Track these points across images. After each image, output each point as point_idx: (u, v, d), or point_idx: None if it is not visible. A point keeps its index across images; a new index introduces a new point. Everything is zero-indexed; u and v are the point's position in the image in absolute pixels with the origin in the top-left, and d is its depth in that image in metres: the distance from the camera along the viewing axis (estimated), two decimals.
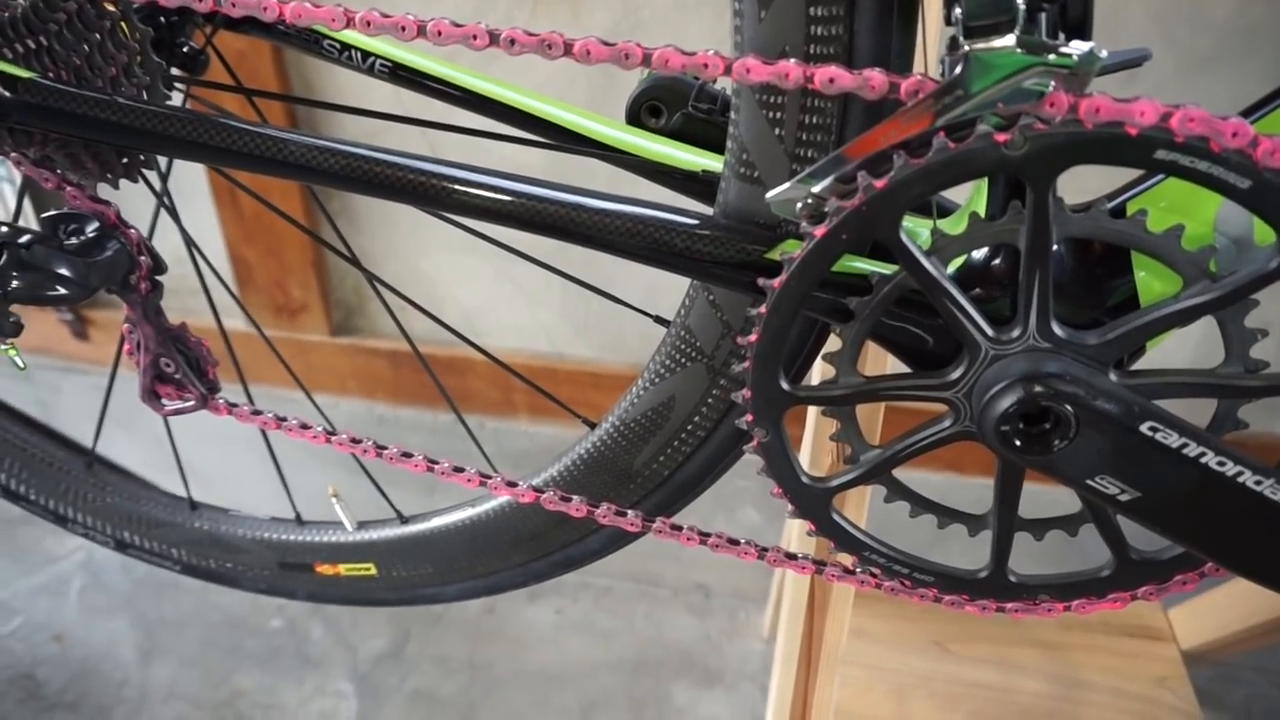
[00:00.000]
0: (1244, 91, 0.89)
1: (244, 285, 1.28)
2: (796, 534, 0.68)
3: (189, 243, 0.66)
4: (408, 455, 0.55)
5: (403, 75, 0.53)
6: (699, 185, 0.50)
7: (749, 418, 0.46)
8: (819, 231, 0.39)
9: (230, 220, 1.22)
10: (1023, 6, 0.34)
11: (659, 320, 0.54)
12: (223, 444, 1.27)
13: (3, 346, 0.48)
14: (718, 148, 0.52)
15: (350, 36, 0.53)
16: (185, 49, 0.55)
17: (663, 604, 1.34)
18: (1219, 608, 1.02)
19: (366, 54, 0.54)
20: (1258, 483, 0.40)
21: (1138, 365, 0.44)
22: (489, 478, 0.54)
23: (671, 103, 0.52)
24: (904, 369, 0.47)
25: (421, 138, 1.00)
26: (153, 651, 1.29)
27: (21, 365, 0.50)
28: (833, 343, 0.45)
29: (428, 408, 1.32)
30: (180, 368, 0.54)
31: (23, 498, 0.74)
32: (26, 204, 1.19)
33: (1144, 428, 0.40)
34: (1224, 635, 1.01)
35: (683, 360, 0.51)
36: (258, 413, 0.56)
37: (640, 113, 0.53)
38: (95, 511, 0.74)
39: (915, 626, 1.02)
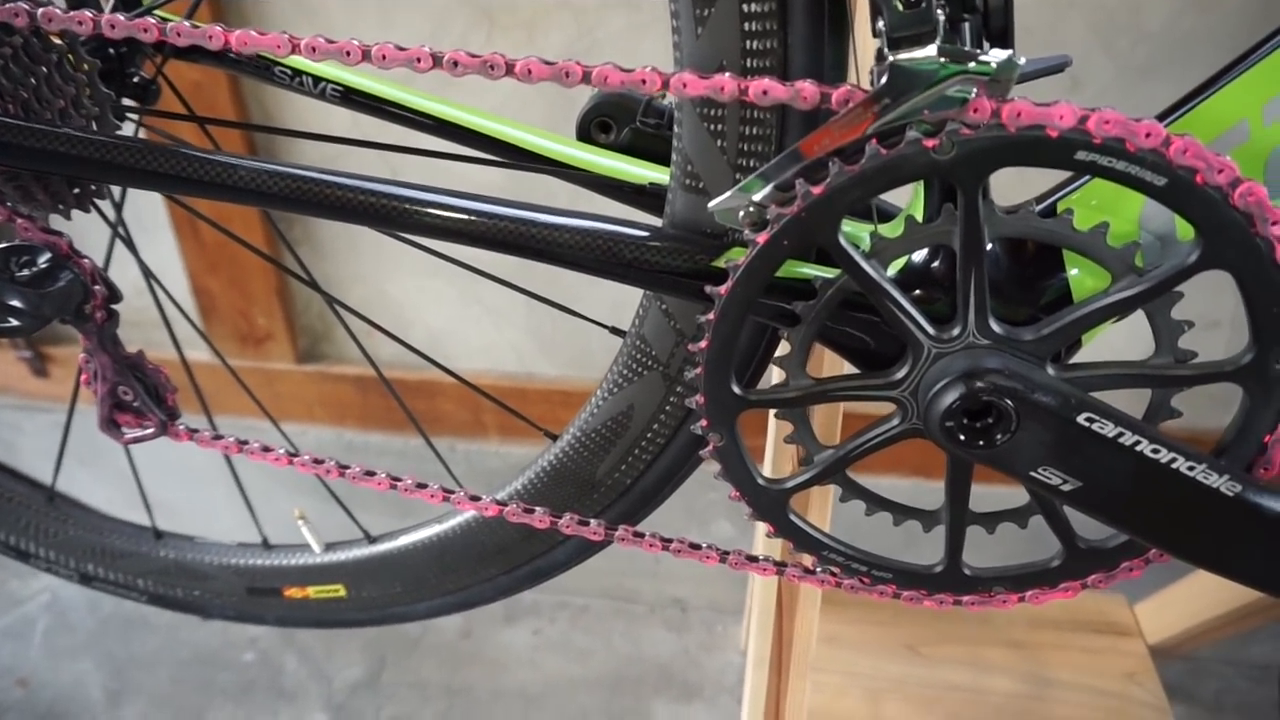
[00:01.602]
0: None
1: (207, 315, 1.27)
2: (765, 541, 0.69)
3: (146, 274, 0.66)
4: (370, 474, 0.55)
5: (354, 99, 0.54)
6: (648, 198, 0.51)
7: (703, 423, 0.47)
8: (761, 238, 0.41)
9: (192, 251, 1.22)
10: (942, 18, 0.35)
11: (615, 331, 0.55)
12: (189, 476, 1.25)
13: None
14: (666, 161, 0.54)
15: (299, 62, 0.54)
16: (136, 79, 0.56)
17: (639, 620, 1.34)
18: (1181, 601, 1.04)
19: (317, 79, 0.55)
20: (1190, 469, 0.41)
21: (1075, 359, 0.45)
22: (452, 493, 0.54)
23: (620, 118, 0.54)
24: (853, 370, 0.48)
25: (381, 162, 1.01)
26: (121, 692, 1.26)
27: None
28: (783, 347, 0.46)
29: (397, 433, 1.32)
30: (138, 395, 0.54)
31: None
32: None
33: (1081, 419, 0.41)
34: (1188, 628, 1.03)
35: (639, 369, 0.52)
36: (219, 437, 0.56)
37: (590, 129, 0.54)
38: (58, 545, 0.73)
39: (886, 630, 1.03)
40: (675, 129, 0.45)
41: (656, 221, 0.48)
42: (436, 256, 0.55)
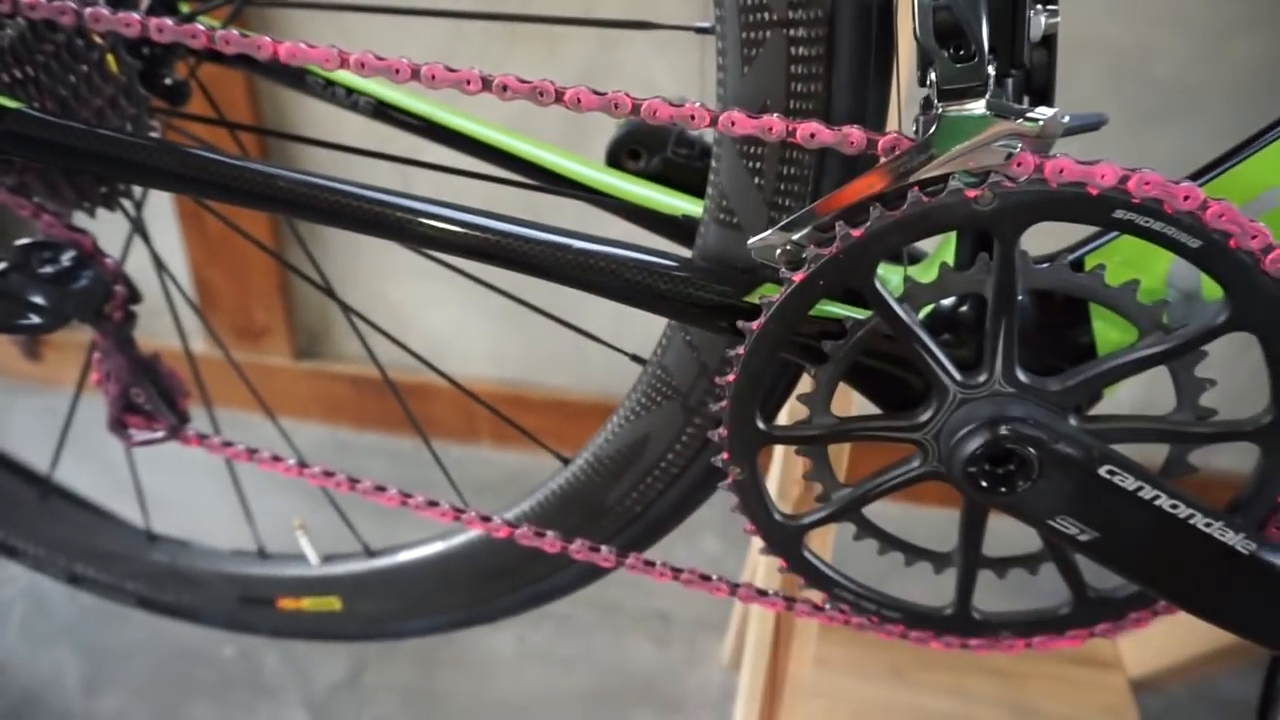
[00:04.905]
0: (1189, 144, 0.94)
1: (207, 308, 1.26)
2: (763, 567, 0.69)
3: (160, 267, 0.65)
4: (381, 489, 0.55)
5: (388, 113, 0.54)
6: (676, 228, 0.52)
7: (724, 455, 0.47)
8: (797, 277, 0.41)
9: (195, 242, 1.21)
10: (992, 74, 0.36)
11: (635, 359, 0.55)
12: (177, 469, 1.24)
13: None
14: (693, 190, 0.54)
15: (336, 73, 0.53)
16: (168, 80, 0.55)
17: (623, 632, 1.33)
18: (1162, 638, 1.05)
19: (350, 90, 0.55)
20: (1208, 525, 0.42)
21: (1094, 411, 0.46)
22: (463, 512, 0.54)
23: (651, 146, 0.54)
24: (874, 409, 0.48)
25: (393, 172, 1.00)
26: (99, 682, 1.25)
27: None
28: (807, 383, 0.46)
29: (390, 433, 1.32)
30: (151, 398, 0.54)
31: None
32: None
33: (1102, 471, 0.42)
34: (1168, 665, 1.05)
35: (658, 399, 0.52)
36: (228, 444, 0.56)
37: (621, 155, 0.54)
38: (47, 543, 0.72)
39: (873, 654, 1.03)
40: (713, 164, 0.45)
41: (684, 251, 0.49)
42: (445, 265, 0.54)
